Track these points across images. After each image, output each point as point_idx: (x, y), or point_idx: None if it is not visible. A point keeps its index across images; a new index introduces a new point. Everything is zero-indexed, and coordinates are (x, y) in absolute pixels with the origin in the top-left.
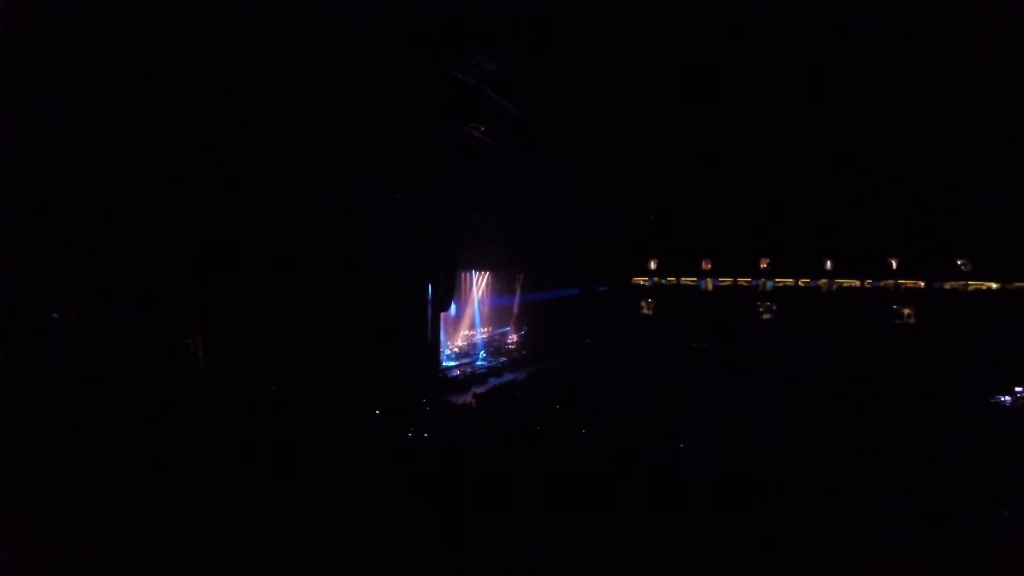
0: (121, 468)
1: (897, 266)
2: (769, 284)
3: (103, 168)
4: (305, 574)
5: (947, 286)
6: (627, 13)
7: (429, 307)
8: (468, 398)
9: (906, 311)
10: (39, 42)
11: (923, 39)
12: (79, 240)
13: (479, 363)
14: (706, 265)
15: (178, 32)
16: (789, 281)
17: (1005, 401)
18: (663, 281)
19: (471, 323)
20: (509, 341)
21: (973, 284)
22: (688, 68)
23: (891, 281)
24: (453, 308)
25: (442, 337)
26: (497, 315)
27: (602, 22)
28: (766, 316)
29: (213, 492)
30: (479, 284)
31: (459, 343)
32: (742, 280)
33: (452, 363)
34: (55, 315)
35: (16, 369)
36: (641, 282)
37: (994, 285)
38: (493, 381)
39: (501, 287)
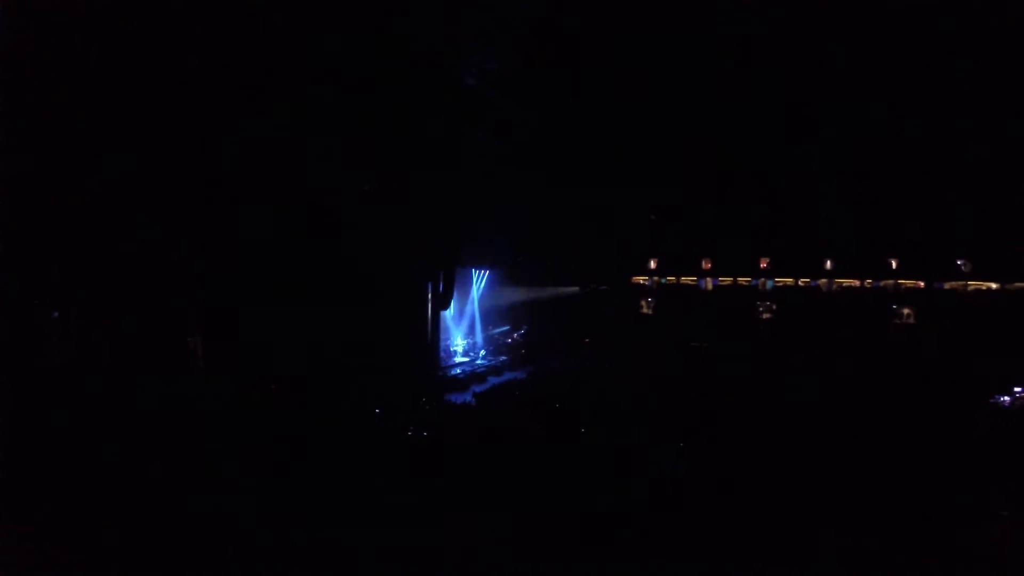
0: (120, 467)
1: (897, 266)
2: (769, 283)
3: (103, 167)
4: (304, 571)
5: (947, 286)
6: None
7: (429, 306)
8: (468, 397)
9: (906, 311)
10: (39, 40)
11: (921, 35)
12: (79, 239)
13: (479, 362)
14: (706, 264)
15: (177, 29)
16: (789, 280)
17: (1004, 401)
18: (663, 280)
19: (471, 322)
20: (509, 340)
21: (973, 284)
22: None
23: (891, 281)
24: (453, 307)
25: (442, 336)
26: (497, 314)
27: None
28: (766, 315)
29: (213, 491)
30: (479, 283)
31: (459, 342)
32: (742, 279)
33: (452, 362)
34: (55, 314)
35: (16, 368)
36: (641, 281)
37: (994, 285)
38: (493, 380)
39: (501, 286)
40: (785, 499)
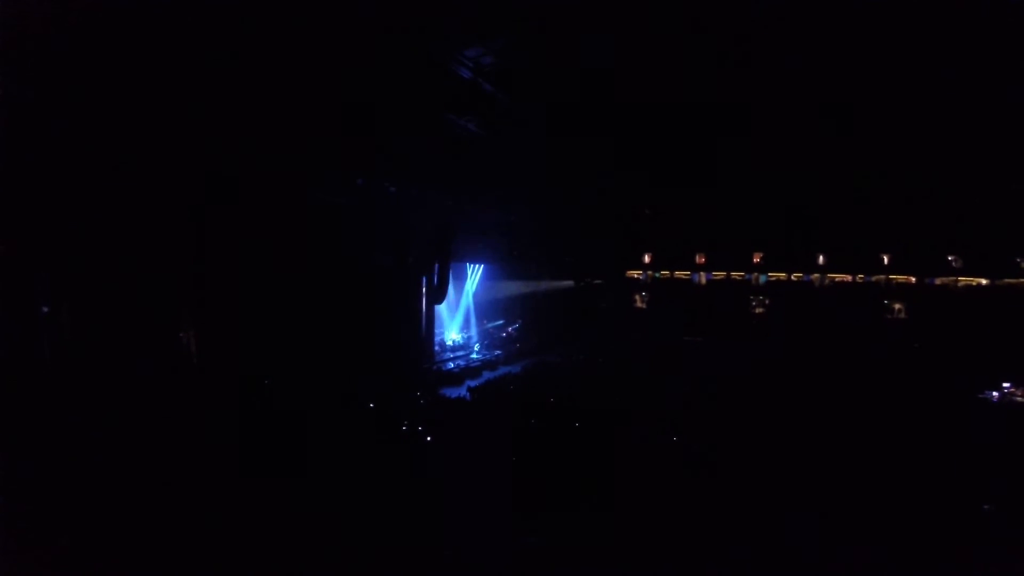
0: (114, 464)
1: (889, 261)
2: (762, 278)
3: (97, 162)
4: (303, 570)
5: (937, 282)
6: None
7: (423, 300)
8: (462, 391)
9: (896, 306)
10: (36, 38)
11: (914, 34)
12: (71, 234)
13: (473, 356)
14: (700, 259)
15: (177, 27)
16: (782, 275)
17: (992, 396)
18: (657, 275)
19: (466, 316)
20: (504, 334)
21: (963, 280)
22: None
23: (882, 276)
24: (447, 301)
25: (437, 329)
26: (492, 308)
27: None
28: (759, 310)
29: (211, 488)
30: (473, 277)
31: (454, 336)
32: (735, 274)
33: (447, 356)
34: (46, 309)
35: (7, 364)
36: (635, 275)
37: (984, 281)
38: (487, 374)
39: (495, 280)
40: (774, 494)
